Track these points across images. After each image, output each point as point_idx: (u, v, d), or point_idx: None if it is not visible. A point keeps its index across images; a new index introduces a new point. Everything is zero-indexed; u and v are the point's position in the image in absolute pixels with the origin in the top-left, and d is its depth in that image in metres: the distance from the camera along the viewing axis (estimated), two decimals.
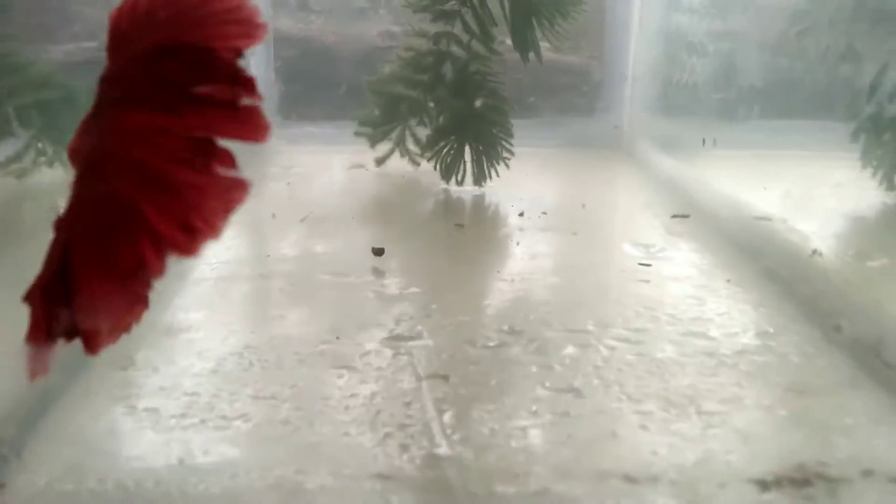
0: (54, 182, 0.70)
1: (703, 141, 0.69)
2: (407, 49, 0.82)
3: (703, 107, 0.78)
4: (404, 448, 0.35)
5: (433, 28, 0.78)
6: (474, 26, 0.76)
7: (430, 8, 0.77)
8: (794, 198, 0.65)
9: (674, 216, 0.69)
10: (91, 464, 0.34)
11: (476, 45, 0.77)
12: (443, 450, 0.35)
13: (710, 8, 0.72)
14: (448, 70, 0.79)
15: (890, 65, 0.53)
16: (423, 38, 0.79)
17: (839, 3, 0.55)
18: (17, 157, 0.72)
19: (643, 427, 0.37)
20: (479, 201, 0.77)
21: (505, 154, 0.78)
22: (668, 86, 0.85)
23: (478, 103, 0.77)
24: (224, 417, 0.37)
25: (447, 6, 0.76)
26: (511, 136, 0.77)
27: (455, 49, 0.78)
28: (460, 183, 0.79)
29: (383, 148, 0.85)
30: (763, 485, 0.33)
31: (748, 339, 0.46)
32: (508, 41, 0.77)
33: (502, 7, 0.74)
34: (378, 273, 0.56)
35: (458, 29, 0.76)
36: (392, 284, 0.54)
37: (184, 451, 0.35)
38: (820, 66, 0.60)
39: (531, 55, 0.75)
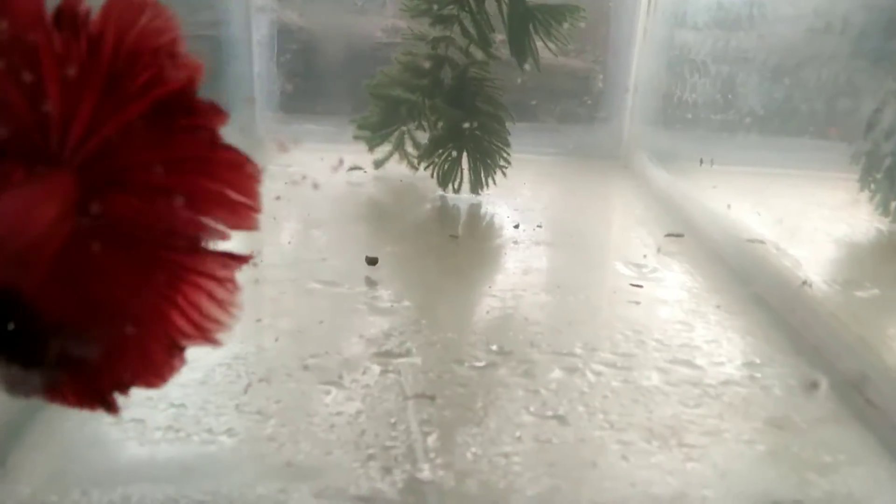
0: None
1: (701, 161, 0.69)
2: (405, 53, 0.81)
3: (702, 124, 0.78)
4: (387, 471, 0.36)
5: (432, 32, 0.78)
6: (472, 31, 0.75)
7: (428, 12, 0.77)
8: (787, 223, 0.65)
9: (668, 235, 0.69)
10: (75, 474, 0.34)
11: (474, 50, 0.77)
12: (425, 474, 0.36)
13: (715, 29, 0.72)
14: (447, 75, 0.79)
15: (888, 103, 0.53)
16: (422, 42, 0.79)
17: (840, 39, 0.56)
18: None
19: (624, 458, 0.38)
20: (475, 210, 0.77)
21: (502, 163, 0.78)
22: (669, 100, 0.85)
23: (474, 114, 0.77)
24: (210, 431, 0.38)
25: (445, 10, 0.76)
26: (508, 145, 0.77)
27: (454, 53, 0.78)
28: (457, 190, 0.79)
29: (382, 151, 0.85)
30: None
31: (733, 369, 0.46)
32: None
33: (500, 12, 0.74)
34: (370, 283, 0.56)
35: (456, 33, 0.76)
36: (384, 296, 0.54)
37: (168, 465, 0.35)
38: (818, 97, 0.61)
39: (529, 62, 0.75)
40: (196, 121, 0.24)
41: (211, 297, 0.27)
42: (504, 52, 0.77)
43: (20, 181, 0.23)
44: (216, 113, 0.24)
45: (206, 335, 0.27)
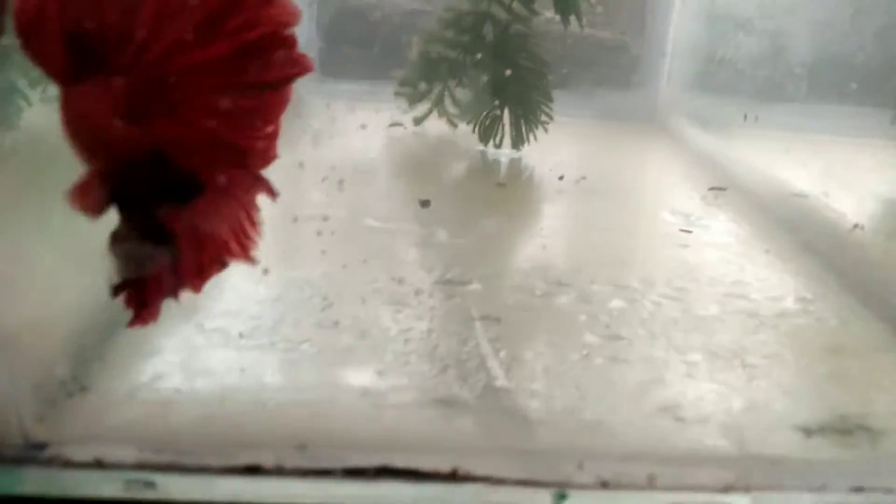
0: None
1: (745, 116, 0.70)
2: (447, 9, 0.82)
3: (746, 85, 0.79)
4: (463, 379, 0.37)
5: None
6: None
7: None
8: (832, 176, 0.66)
9: (711, 189, 0.70)
10: (166, 374, 0.36)
11: (517, 6, 0.78)
12: (500, 382, 0.37)
13: None
14: (489, 31, 0.80)
15: None
16: None
17: None
18: None
19: (690, 375, 0.39)
20: (516, 164, 0.78)
21: (544, 118, 0.79)
22: (710, 62, 0.85)
23: (517, 69, 0.78)
24: (290, 341, 0.39)
25: None
26: (551, 100, 0.78)
27: (496, 10, 0.79)
28: (498, 146, 0.80)
29: (421, 108, 0.86)
30: (807, 431, 0.35)
31: (788, 304, 0.47)
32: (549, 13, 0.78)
33: None
34: (423, 223, 0.58)
35: None
36: (439, 234, 0.55)
37: (252, 367, 0.36)
38: (874, 45, 0.61)
39: (572, 19, 0.76)
40: (278, 70, 0.25)
41: (249, 217, 0.28)
42: (540, 20, 0.78)
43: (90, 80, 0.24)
44: (299, 64, 0.25)
45: (247, 253, 0.28)
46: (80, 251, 0.34)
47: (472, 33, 0.80)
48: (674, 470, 0.30)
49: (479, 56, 0.79)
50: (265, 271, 0.44)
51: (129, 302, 0.26)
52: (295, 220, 0.54)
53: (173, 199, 0.24)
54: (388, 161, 0.75)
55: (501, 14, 0.78)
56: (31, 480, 0.29)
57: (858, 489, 0.29)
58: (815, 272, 0.53)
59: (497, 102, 0.78)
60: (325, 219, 0.57)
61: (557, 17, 0.78)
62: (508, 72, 0.77)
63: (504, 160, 0.79)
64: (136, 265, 0.26)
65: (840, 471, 0.31)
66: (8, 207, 0.34)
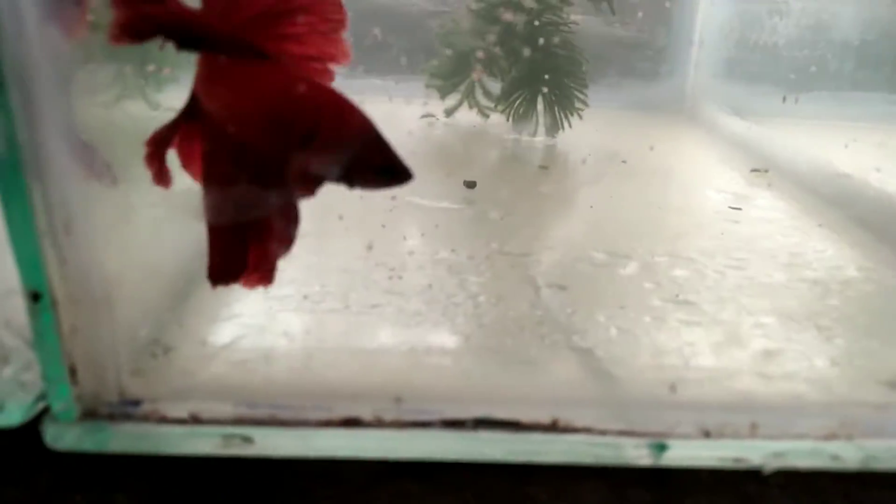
0: None
1: (784, 98, 0.70)
2: (477, 0, 0.82)
3: (782, 69, 0.79)
4: (541, 339, 0.37)
5: None
6: None
7: None
8: (878, 158, 0.65)
9: (753, 170, 0.69)
10: (241, 335, 0.36)
11: None
12: (576, 342, 0.37)
13: None
14: (520, 20, 0.80)
15: None
16: None
17: None
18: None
19: (766, 336, 0.38)
20: (551, 150, 0.78)
21: (578, 105, 0.79)
22: (742, 48, 0.85)
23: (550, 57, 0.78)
24: (362, 305, 0.39)
25: None
26: (585, 86, 0.78)
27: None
28: (532, 134, 0.80)
29: (453, 99, 0.86)
30: (893, 385, 0.34)
31: (851, 272, 0.47)
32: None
33: None
34: (471, 202, 0.57)
35: None
36: (489, 211, 0.55)
37: (330, 328, 0.36)
38: None
39: (604, 6, 0.76)
40: None
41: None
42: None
43: None
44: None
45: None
46: (158, 215, 0.34)
47: (502, 24, 0.80)
48: (775, 419, 0.29)
49: (511, 45, 0.79)
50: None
51: (253, 260, 0.26)
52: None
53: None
54: (425, 150, 0.75)
55: (531, 3, 0.78)
56: (126, 437, 0.29)
57: None
58: (871, 244, 0.53)
59: (530, 90, 0.78)
60: (363, 198, 0.57)
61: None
62: (541, 60, 0.78)
63: (539, 147, 0.79)
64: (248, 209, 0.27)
65: None
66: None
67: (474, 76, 0.77)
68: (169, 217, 0.34)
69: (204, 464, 0.30)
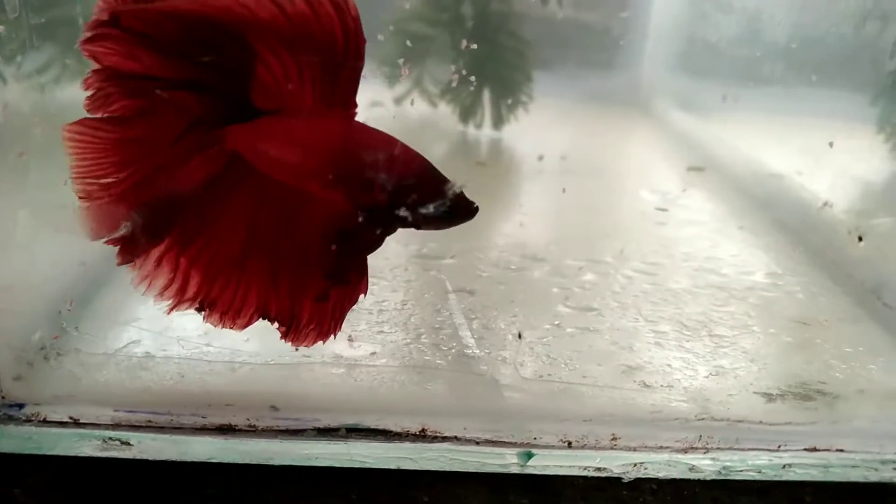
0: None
1: (724, 97, 0.71)
2: None
3: (725, 66, 0.79)
4: (436, 346, 0.38)
5: None
6: None
7: None
8: (807, 156, 0.67)
9: (690, 168, 0.70)
10: (136, 340, 0.36)
11: None
12: (472, 350, 0.38)
13: None
14: (469, 9, 0.80)
15: None
16: None
17: None
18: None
19: (658, 344, 0.40)
20: (496, 144, 0.78)
21: (524, 98, 0.79)
22: (692, 43, 0.86)
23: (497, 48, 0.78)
24: None
25: None
26: (531, 80, 0.79)
27: None
28: (479, 126, 0.80)
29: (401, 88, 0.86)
30: (769, 397, 0.36)
31: (758, 278, 0.48)
32: None
33: None
34: None
35: None
36: None
37: (220, 336, 0.37)
38: (846, 24, 0.62)
39: None
40: None
41: None
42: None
43: None
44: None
45: None
46: (55, 219, 0.35)
47: (451, 11, 0.80)
48: (637, 431, 0.30)
49: (458, 36, 0.79)
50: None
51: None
52: None
53: None
54: None
55: None
56: (12, 438, 0.30)
57: (812, 450, 0.31)
58: (786, 248, 0.54)
59: (476, 82, 0.79)
60: None
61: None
62: (488, 52, 0.78)
63: (485, 140, 0.79)
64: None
65: (796, 433, 0.32)
66: None
67: (403, 72, 0.76)
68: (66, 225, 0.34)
69: (98, 461, 0.31)
